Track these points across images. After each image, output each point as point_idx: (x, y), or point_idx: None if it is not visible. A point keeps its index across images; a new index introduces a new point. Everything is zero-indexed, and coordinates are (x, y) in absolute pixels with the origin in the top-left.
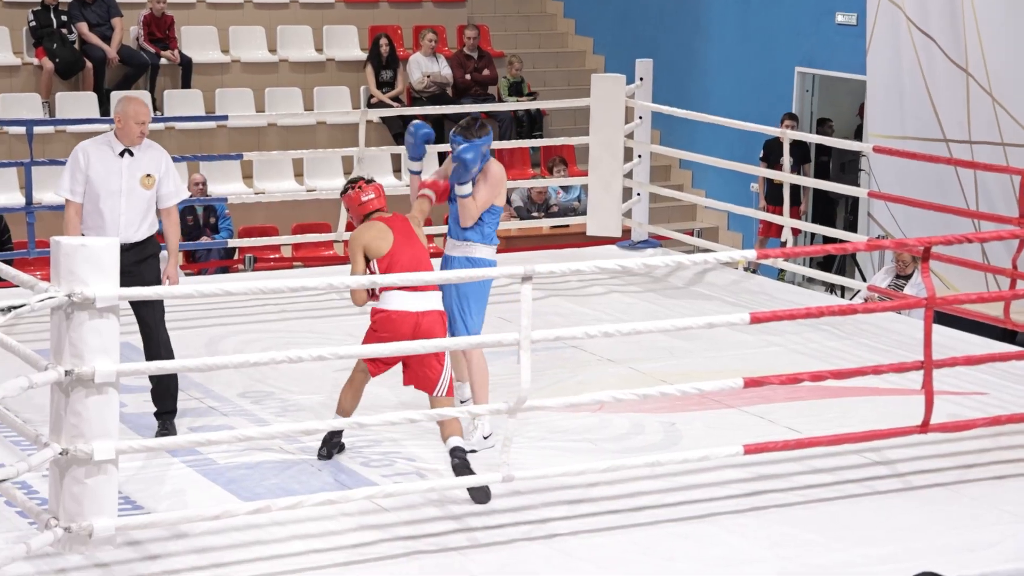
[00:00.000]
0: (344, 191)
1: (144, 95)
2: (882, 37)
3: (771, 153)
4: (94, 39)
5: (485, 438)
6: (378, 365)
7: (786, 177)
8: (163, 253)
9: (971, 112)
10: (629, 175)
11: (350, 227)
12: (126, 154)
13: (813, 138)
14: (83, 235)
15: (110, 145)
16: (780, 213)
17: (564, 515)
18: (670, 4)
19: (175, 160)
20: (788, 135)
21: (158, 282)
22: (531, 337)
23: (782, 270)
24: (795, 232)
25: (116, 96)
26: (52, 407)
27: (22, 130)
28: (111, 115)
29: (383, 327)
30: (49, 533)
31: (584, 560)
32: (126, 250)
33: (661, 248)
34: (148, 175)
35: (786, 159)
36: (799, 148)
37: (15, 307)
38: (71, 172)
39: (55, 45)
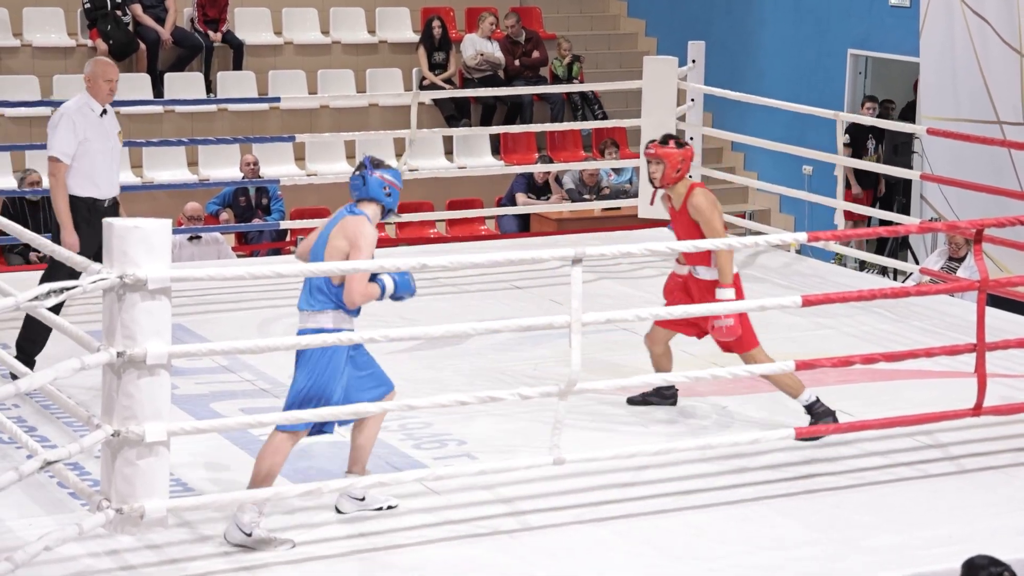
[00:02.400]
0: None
1: (198, 77)
2: (935, 19)
3: (856, 138)
4: (148, 21)
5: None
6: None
7: (841, 160)
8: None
9: None
10: None
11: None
12: (104, 114)
13: (868, 120)
14: (74, 196)
15: (90, 107)
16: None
17: (616, 498)
18: None
19: (226, 142)
20: (840, 118)
21: None
22: (582, 320)
23: (839, 254)
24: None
25: (169, 78)
26: (104, 388)
27: None
28: (155, 98)
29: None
30: (101, 514)
31: (638, 542)
32: (111, 207)
33: None
34: (119, 131)
35: (855, 144)
36: (877, 131)
37: (67, 288)
38: (68, 135)
39: (109, 26)
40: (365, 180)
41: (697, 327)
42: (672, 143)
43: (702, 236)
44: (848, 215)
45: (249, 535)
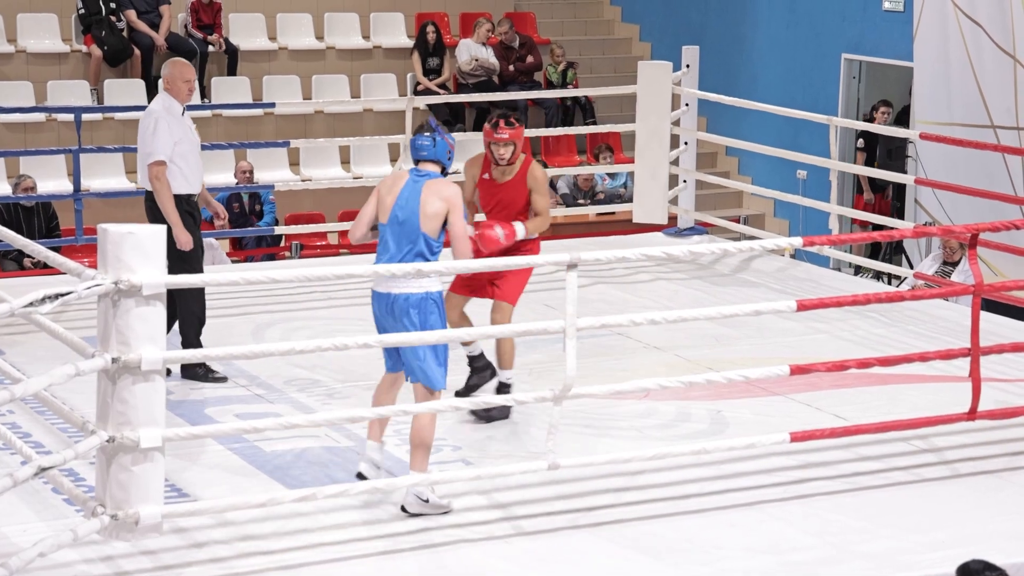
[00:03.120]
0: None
1: None
2: (929, 23)
3: (869, 144)
4: (142, 26)
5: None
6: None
7: (835, 165)
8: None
9: (1019, 98)
10: (675, 162)
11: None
12: (184, 112)
13: (860, 125)
14: (179, 194)
15: (172, 107)
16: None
17: (610, 503)
18: None
19: (221, 147)
20: (834, 122)
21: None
22: (577, 324)
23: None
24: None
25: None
26: (99, 394)
27: (70, 117)
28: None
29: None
30: (96, 520)
31: (632, 547)
32: (197, 201)
33: (707, 235)
34: (194, 127)
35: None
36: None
37: (62, 294)
38: (166, 136)
39: (103, 32)
40: (435, 142)
41: (491, 286)
42: (515, 122)
43: (528, 205)
44: (854, 221)
45: (427, 501)
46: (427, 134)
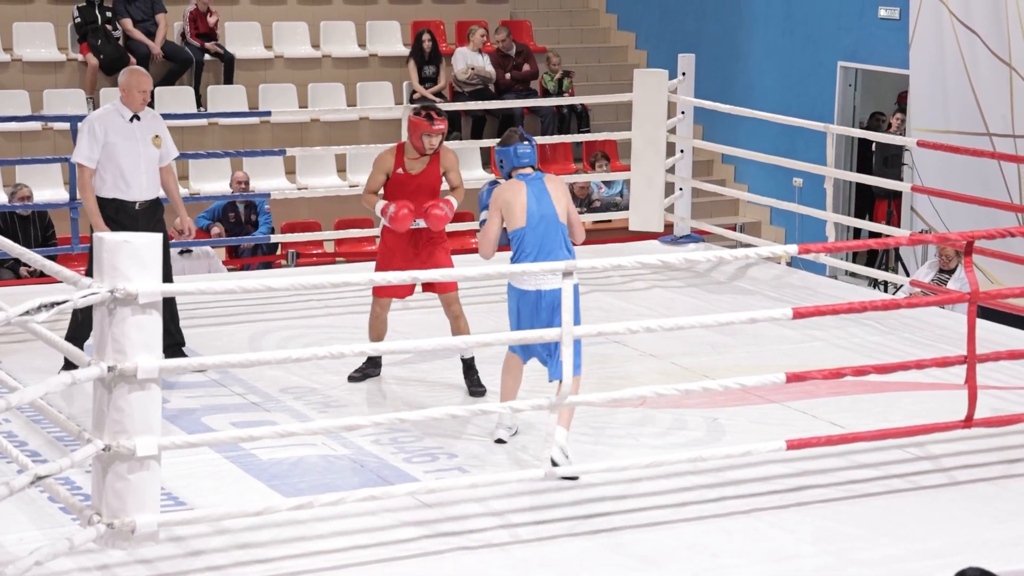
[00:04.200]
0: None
1: (188, 91)
2: (925, 31)
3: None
4: (138, 35)
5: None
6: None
7: (831, 172)
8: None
9: (1015, 106)
10: (671, 170)
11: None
12: (135, 119)
13: (857, 132)
14: (100, 197)
15: (119, 113)
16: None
17: (607, 511)
18: None
19: (217, 156)
20: (831, 130)
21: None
22: (573, 332)
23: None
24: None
25: (160, 92)
26: (95, 403)
27: (66, 126)
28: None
29: None
30: (92, 529)
31: (629, 555)
32: (143, 209)
33: (703, 243)
34: (156, 136)
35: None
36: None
37: (58, 303)
38: (89, 140)
39: (99, 41)
40: (533, 147)
41: (426, 284)
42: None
43: (437, 191)
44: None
45: (568, 457)
46: (526, 143)
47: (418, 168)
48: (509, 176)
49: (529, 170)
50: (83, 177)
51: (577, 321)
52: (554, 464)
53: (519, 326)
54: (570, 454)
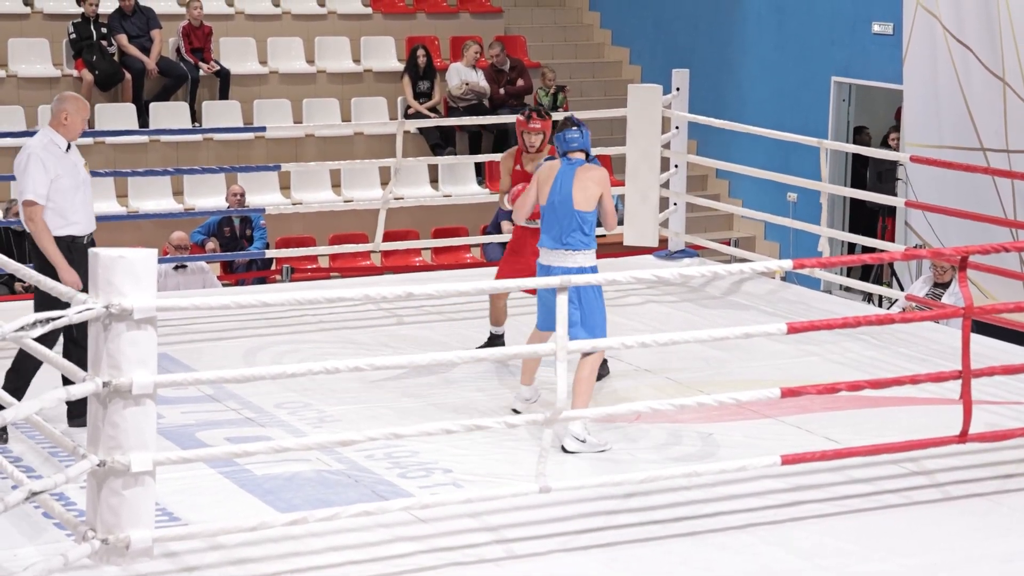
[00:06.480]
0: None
1: (183, 106)
2: (918, 46)
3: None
4: (133, 51)
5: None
6: None
7: (825, 187)
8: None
9: (1008, 121)
10: (666, 185)
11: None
12: (70, 149)
13: (851, 148)
14: (60, 236)
15: (56, 143)
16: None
17: (601, 526)
18: (706, 14)
19: (212, 171)
20: (824, 145)
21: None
22: (568, 347)
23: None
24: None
25: (155, 108)
26: (90, 418)
27: None
28: (140, 128)
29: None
30: (86, 545)
31: (624, 570)
32: (89, 244)
33: (698, 258)
34: (84, 163)
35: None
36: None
37: (53, 318)
38: (42, 175)
39: (95, 57)
40: (583, 133)
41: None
42: (544, 115)
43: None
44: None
45: (584, 441)
46: (574, 128)
47: (533, 166)
48: (563, 156)
49: (580, 154)
50: (37, 214)
51: (600, 309)
52: (567, 451)
53: (540, 295)
54: (589, 431)
